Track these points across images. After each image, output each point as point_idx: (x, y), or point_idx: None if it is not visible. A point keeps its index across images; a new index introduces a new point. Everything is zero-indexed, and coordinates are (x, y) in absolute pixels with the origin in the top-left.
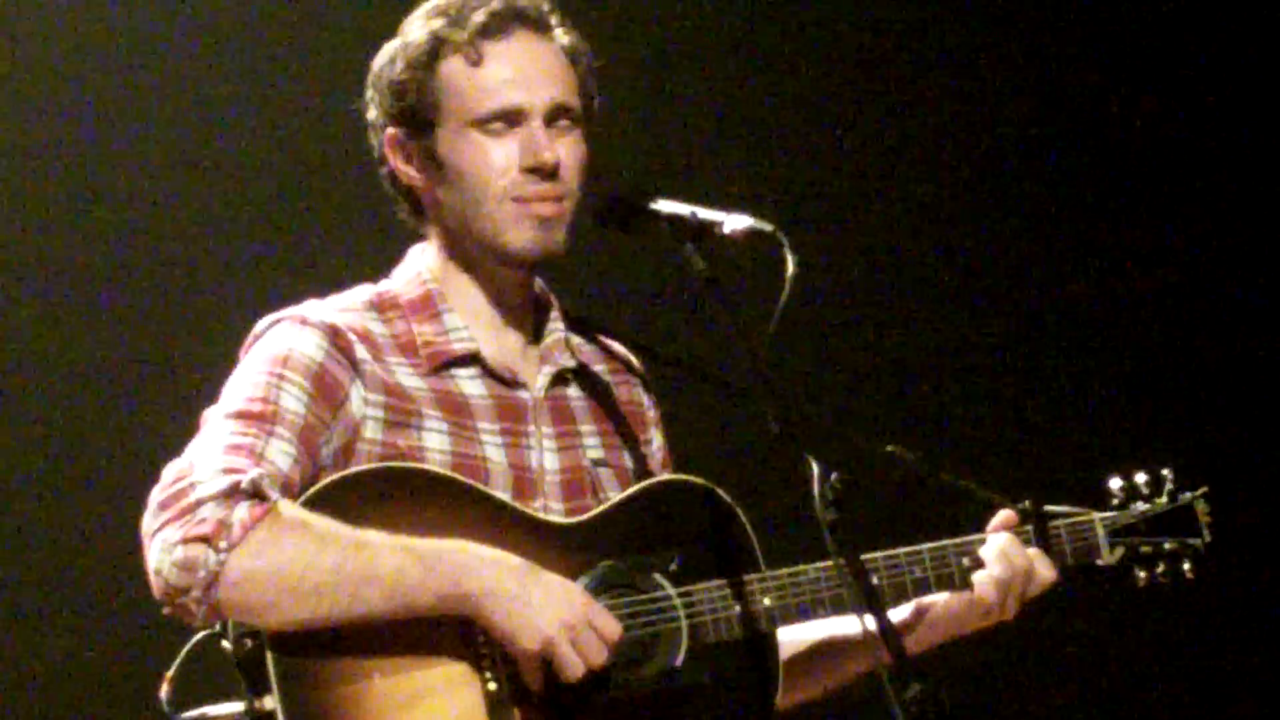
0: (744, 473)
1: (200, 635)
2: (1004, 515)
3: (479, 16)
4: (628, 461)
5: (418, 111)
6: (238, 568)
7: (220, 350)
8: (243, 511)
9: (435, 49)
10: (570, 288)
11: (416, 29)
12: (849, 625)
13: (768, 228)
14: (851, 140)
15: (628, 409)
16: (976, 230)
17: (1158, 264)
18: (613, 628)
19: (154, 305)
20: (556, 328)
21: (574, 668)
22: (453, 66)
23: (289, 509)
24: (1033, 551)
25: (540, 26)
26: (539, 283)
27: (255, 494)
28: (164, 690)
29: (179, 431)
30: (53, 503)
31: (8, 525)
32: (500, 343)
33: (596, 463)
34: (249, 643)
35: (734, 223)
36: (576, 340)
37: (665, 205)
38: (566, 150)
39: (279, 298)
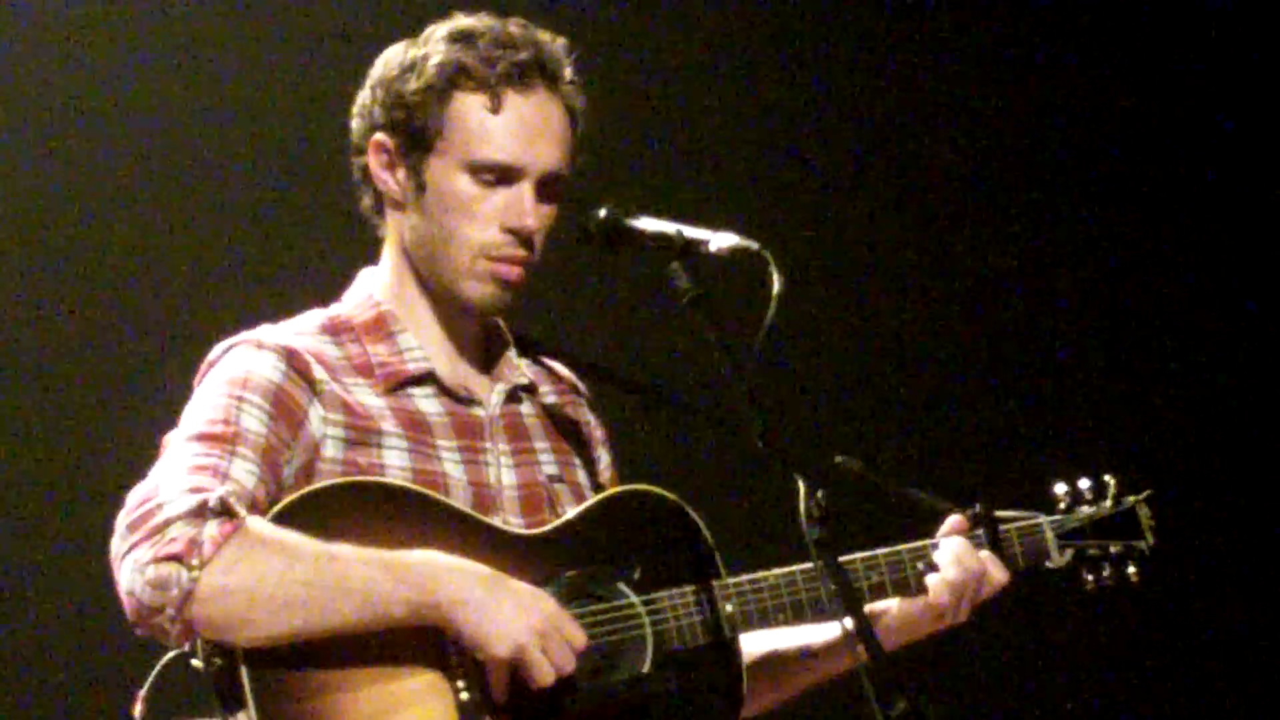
0: (711, 486)
1: (171, 654)
2: (954, 520)
3: (507, 62)
4: (581, 478)
5: (419, 131)
6: (210, 584)
7: (188, 371)
8: (212, 529)
9: (455, 78)
10: (556, 305)
11: (439, 51)
12: (816, 630)
13: (753, 245)
14: (835, 159)
15: (578, 428)
16: (932, 240)
17: (1102, 271)
18: (579, 635)
19: (129, 322)
20: (506, 348)
21: (545, 674)
22: (469, 102)
23: (258, 525)
24: (985, 554)
25: (557, 84)
26: None
27: (224, 511)
28: (138, 709)
29: (146, 453)
30: (20, 520)
31: None
32: (453, 361)
33: (552, 478)
34: (219, 661)
35: (719, 241)
36: (523, 361)
37: (650, 224)
38: (544, 221)
39: (247, 318)
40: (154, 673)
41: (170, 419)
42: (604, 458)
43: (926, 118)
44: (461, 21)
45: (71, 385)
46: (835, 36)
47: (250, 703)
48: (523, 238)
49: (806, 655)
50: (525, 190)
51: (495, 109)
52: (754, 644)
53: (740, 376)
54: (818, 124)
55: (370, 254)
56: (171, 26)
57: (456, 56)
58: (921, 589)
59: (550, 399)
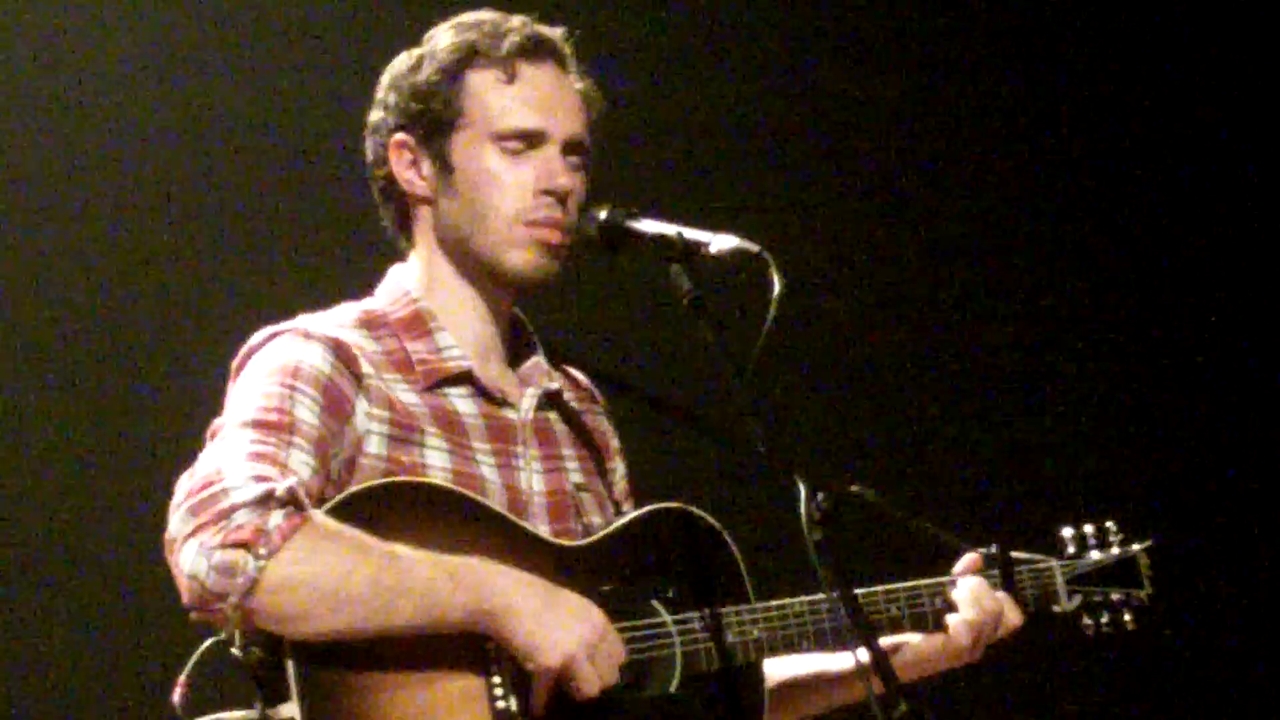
0: (721, 499)
1: (209, 641)
2: (969, 559)
3: (516, 36)
4: (602, 488)
5: (438, 115)
6: (277, 575)
7: (220, 360)
8: (279, 519)
9: (467, 58)
10: (555, 308)
11: (447, 38)
12: (833, 659)
13: (754, 248)
14: (839, 162)
15: (597, 436)
16: (953, 234)
17: (1117, 313)
18: (621, 649)
19: (154, 315)
20: (535, 351)
21: (591, 685)
22: (484, 77)
23: (323, 519)
24: (1001, 595)
25: (565, 65)
26: (517, 308)
27: (291, 502)
28: (177, 695)
29: (188, 438)
30: (61, 509)
31: (16, 530)
32: (487, 362)
33: (579, 487)
34: (257, 651)
35: (720, 243)
36: (547, 366)
37: (650, 225)
38: (576, 185)
39: (273, 311)
40: (192, 659)
41: (200, 409)
42: (619, 468)
43: (937, 122)
44: (463, 17)
45: (100, 375)
46: (838, 39)
47: (295, 697)
48: (559, 197)
49: (821, 682)
50: (553, 153)
51: (510, 80)
52: (779, 666)
53: (740, 379)
54: (820, 126)
55: (391, 251)
56: (203, 19)
57: (464, 38)
58: (938, 626)
59: (574, 405)
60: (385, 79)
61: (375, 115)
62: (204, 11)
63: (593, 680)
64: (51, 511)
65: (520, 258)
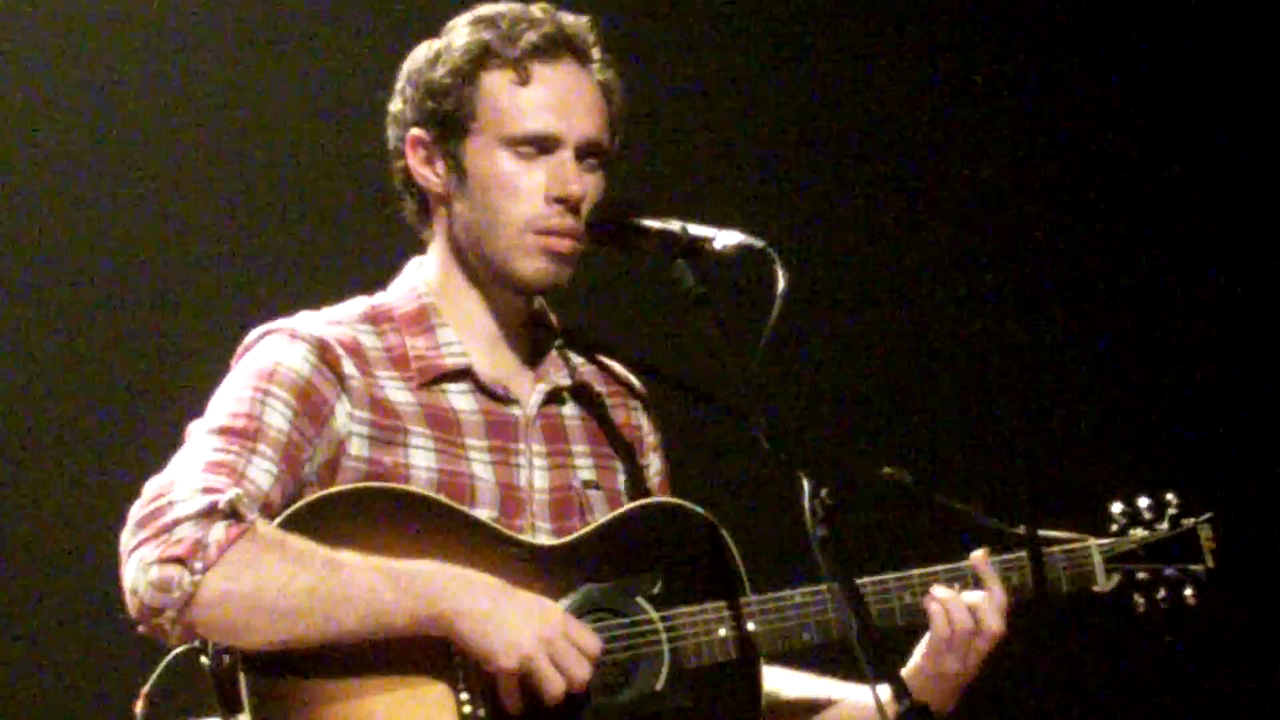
0: (742, 495)
1: (178, 650)
2: (976, 555)
3: (532, 36)
4: (620, 484)
5: (452, 116)
6: (212, 589)
7: (214, 359)
8: (219, 532)
9: (481, 58)
10: (561, 302)
11: (463, 35)
12: (847, 690)
13: (759, 243)
14: (846, 156)
15: (626, 431)
16: (975, 245)
17: (1164, 286)
18: (592, 642)
19: (149, 313)
20: (554, 346)
21: (554, 684)
22: (497, 79)
23: (265, 529)
24: (976, 601)
25: (585, 58)
26: (539, 300)
27: (232, 514)
28: (139, 706)
29: (162, 443)
30: (30, 515)
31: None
32: (495, 358)
33: (587, 484)
34: (227, 659)
35: (725, 239)
36: (576, 359)
37: (655, 221)
38: (589, 189)
39: (277, 306)
40: (158, 670)
41: (195, 406)
42: (655, 464)
43: (944, 113)
44: (482, 9)
45: (94, 376)
46: (843, 34)
47: (246, 708)
48: (570, 206)
49: (834, 709)
50: (566, 158)
51: (523, 82)
52: (790, 683)
53: (744, 375)
54: (825, 120)
55: (409, 244)
56: (212, 16)
57: (479, 37)
58: (907, 618)
59: (601, 399)
60: (405, 68)
61: (395, 105)
62: (209, 5)
63: (555, 679)
64: (18, 521)
65: (530, 265)
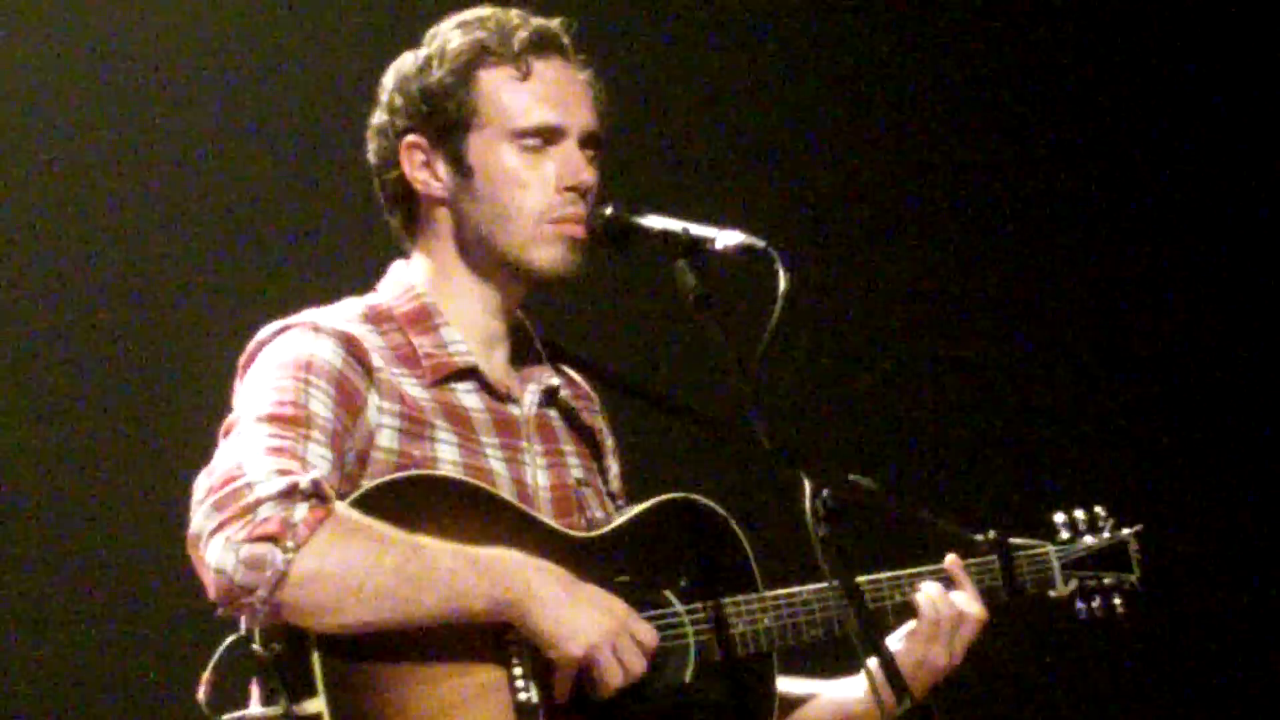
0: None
1: (232, 637)
2: (951, 559)
3: (523, 34)
4: (601, 484)
5: (452, 116)
6: (304, 568)
7: (224, 358)
8: (304, 511)
9: (479, 57)
10: (561, 303)
11: (455, 38)
12: (823, 687)
13: (760, 244)
14: (846, 157)
15: (594, 434)
16: (973, 246)
17: (1117, 290)
18: (651, 638)
19: (159, 313)
20: (534, 349)
21: (615, 675)
22: (497, 75)
23: (346, 511)
24: (958, 597)
25: (570, 56)
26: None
27: (315, 494)
28: (202, 691)
29: (198, 437)
30: (82, 507)
31: (38, 529)
32: (492, 358)
33: (580, 482)
34: (278, 646)
35: (726, 239)
36: (548, 363)
37: (657, 221)
38: (595, 179)
39: (274, 309)
40: (216, 655)
41: (204, 407)
42: (613, 467)
43: (944, 116)
44: (462, 15)
45: (107, 374)
46: (845, 36)
47: (321, 692)
48: (581, 193)
49: (834, 707)
50: (571, 147)
51: (523, 77)
52: (800, 687)
53: (746, 375)
54: (826, 121)
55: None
56: (207, 20)
57: (473, 37)
58: (900, 616)
59: (571, 402)
60: (390, 80)
61: (380, 117)
62: (209, 9)
63: (615, 671)
64: (70, 510)
65: (549, 254)
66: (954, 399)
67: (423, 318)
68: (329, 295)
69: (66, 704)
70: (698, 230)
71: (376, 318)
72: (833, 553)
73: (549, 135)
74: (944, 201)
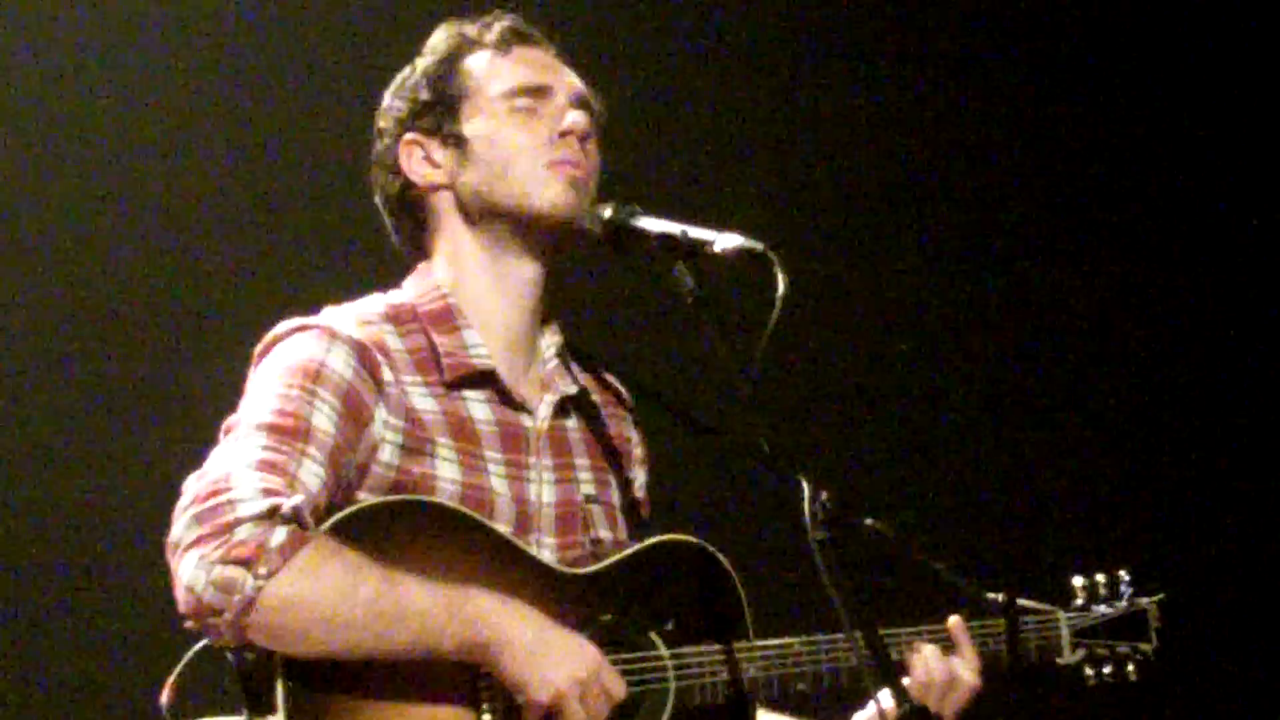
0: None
1: (201, 644)
2: (954, 620)
3: (505, 24)
4: (614, 498)
5: (441, 97)
6: (274, 595)
7: (224, 358)
8: (281, 536)
9: (461, 48)
10: (559, 305)
11: (436, 38)
12: None
13: (758, 247)
14: (846, 160)
15: (618, 443)
16: (953, 242)
17: (1134, 346)
18: (620, 690)
19: (156, 312)
20: (554, 349)
21: None
22: (479, 57)
23: (324, 539)
24: (955, 662)
25: (550, 50)
26: (543, 306)
27: (295, 519)
28: (165, 696)
29: (191, 438)
30: (54, 508)
31: (8, 529)
32: (511, 363)
33: (588, 499)
34: (251, 656)
35: (724, 242)
36: (575, 367)
37: (655, 224)
38: (591, 131)
39: (287, 307)
40: (182, 662)
41: (209, 405)
42: (640, 477)
43: (945, 121)
44: (446, 23)
45: (104, 378)
46: (844, 39)
47: (281, 713)
48: (578, 134)
49: None
50: (562, 103)
51: (506, 54)
52: None
53: (744, 379)
54: (826, 124)
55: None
56: (211, 24)
57: (455, 32)
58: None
59: (597, 409)
60: (381, 105)
61: (379, 145)
62: (214, 10)
63: (581, 718)
64: (41, 514)
65: (550, 193)
66: (957, 399)
67: (446, 317)
68: (342, 293)
69: (33, 703)
70: (696, 233)
71: (399, 316)
72: (830, 557)
73: (537, 94)
74: (949, 207)
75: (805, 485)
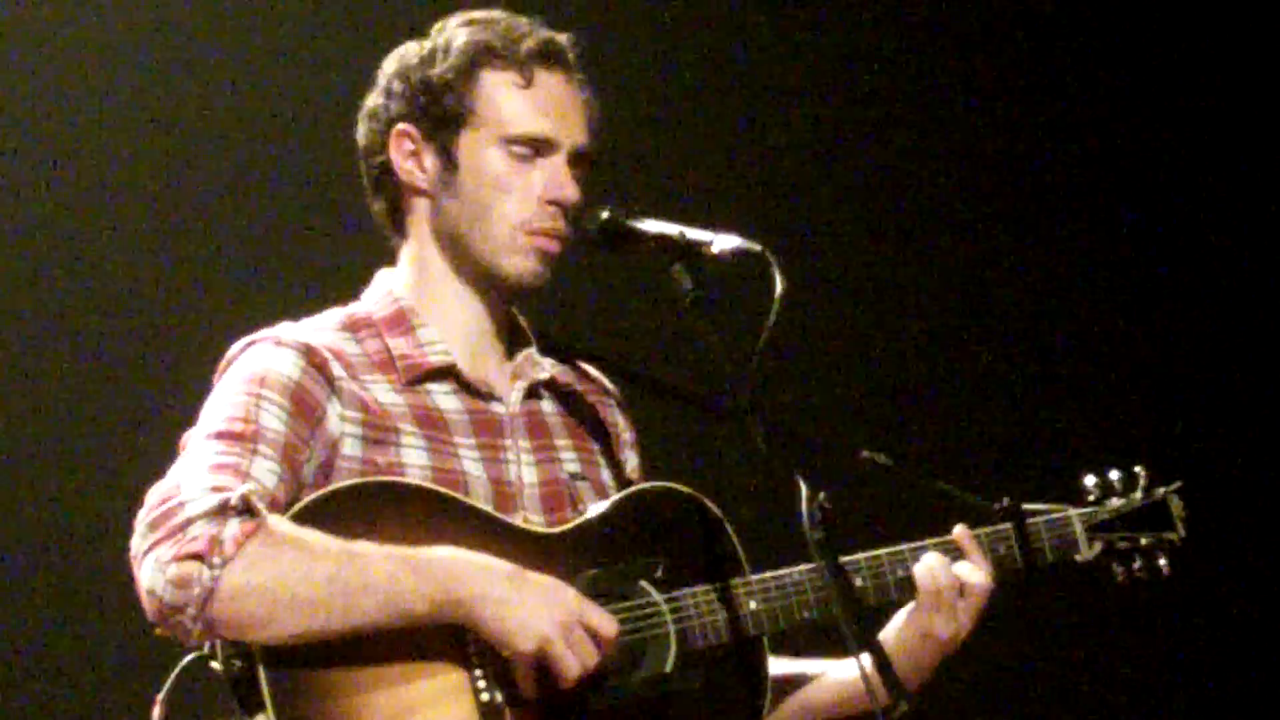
0: (727, 488)
1: (190, 657)
2: (959, 529)
3: (531, 41)
4: (605, 477)
5: (448, 110)
6: (232, 583)
7: (206, 370)
8: (234, 528)
9: (483, 57)
10: (557, 306)
11: (461, 35)
12: (828, 666)
13: (756, 247)
14: (844, 159)
15: (603, 426)
16: (951, 234)
17: (1131, 264)
18: (609, 624)
19: (142, 323)
20: (527, 345)
21: (570, 667)
22: (499, 78)
23: (279, 523)
24: (961, 565)
25: (574, 71)
26: (512, 310)
27: (245, 509)
28: (156, 713)
29: (163, 453)
30: (41, 523)
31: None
32: (474, 356)
33: (574, 476)
34: (238, 663)
35: (722, 242)
36: (549, 360)
37: (652, 225)
38: (579, 197)
39: (262, 317)
40: (173, 675)
41: (188, 418)
42: (632, 460)
43: (937, 114)
44: (473, 13)
45: (89, 386)
46: (841, 38)
47: (268, 704)
48: (563, 208)
49: (839, 687)
50: (560, 162)
51: (526, 84)
52: (792, 668)
53: (742, 379)
54: (822, 124)
55: (386, 255)
56: (193, 25)
57: (480, 37)
58: (901, 594)
59: (578, 397)
60: (391, 67)
61: (375, 100)
62: (202, 9)
63: (571, 663)
64: (28, 529)
65: (520, 264)
66: (958, 401)
67: (400, 320)
68: (317, 306)
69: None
70: (693, 234)
71: (355, 325)
72: (829, 556)
73: (540, 146)
74: (941, 202)
75: (803, 485)
